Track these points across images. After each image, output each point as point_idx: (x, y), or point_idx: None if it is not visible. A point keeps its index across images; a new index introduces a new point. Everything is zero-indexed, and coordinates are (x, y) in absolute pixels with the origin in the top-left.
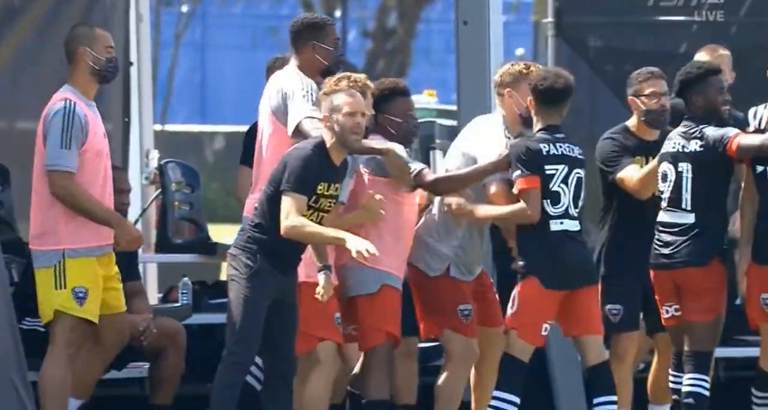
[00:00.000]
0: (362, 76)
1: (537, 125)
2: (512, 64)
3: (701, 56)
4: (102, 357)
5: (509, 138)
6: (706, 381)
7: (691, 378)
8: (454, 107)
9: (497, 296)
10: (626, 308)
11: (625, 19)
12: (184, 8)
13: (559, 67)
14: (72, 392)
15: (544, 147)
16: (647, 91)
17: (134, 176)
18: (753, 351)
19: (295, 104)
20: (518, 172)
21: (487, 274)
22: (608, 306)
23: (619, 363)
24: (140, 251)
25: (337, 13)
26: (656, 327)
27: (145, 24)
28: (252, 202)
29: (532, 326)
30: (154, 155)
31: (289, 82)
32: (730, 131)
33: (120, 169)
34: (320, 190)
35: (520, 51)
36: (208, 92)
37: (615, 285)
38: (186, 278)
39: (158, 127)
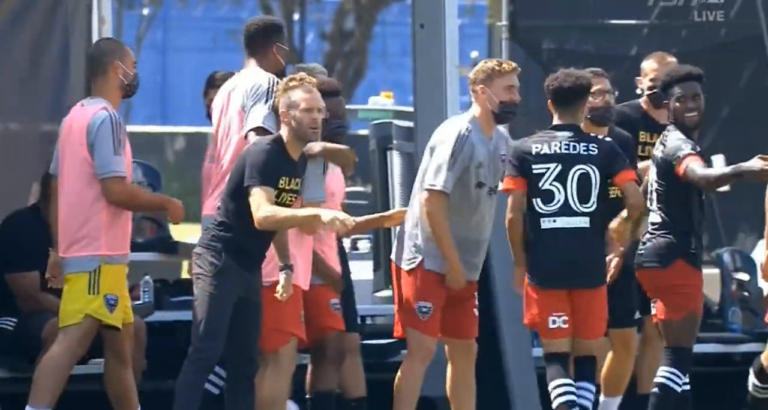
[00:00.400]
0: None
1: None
2: (485, 62)
3: (649, 64)
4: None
5: (467, 134)
6: (676, 375)
7: (662, 371)
8: (410, 108)
9: (476, 310)
10: None
11: (578, 22)
12: (146, 11)
13: None
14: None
15: (536, 147)
16: (592, 90)
17: None
18: (704, 347)
19: (256, 110)
20: (507, 172)
21: (472, 286)
22: None
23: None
24: None
25: (296, 16)
26: (610, 323)
27: (107, 26)
28: (211, 201)
29: (538, 322)
30: None
31: (257, 81)
32: (683, 150)
33: None
34: (282, 184)
35: (474, 54)
36: (168, 94)
37: None
38: (147, 277)
39: None
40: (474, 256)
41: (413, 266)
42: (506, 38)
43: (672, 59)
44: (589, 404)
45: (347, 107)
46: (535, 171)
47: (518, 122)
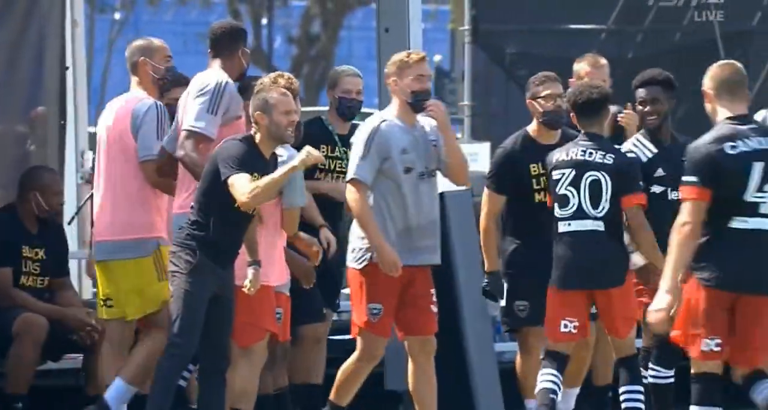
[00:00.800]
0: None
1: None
2: (396, 54)
3: (582, 66)
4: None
5: (379, 125)
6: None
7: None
8: (375, 111)
9: (434, 307)
10: (532, 304)
11: (538, 26)
12: (117, 15)
13: (474, 72)
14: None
15: (558, 155)
16: (543, 94)
17: (70, 176)
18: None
19: (194, 107)
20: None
21: (427, 281)
22: (516, 302)
23: (526, 356)
24: (75, 247)
25: (264, 21)
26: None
27: (80, 30)
28: (179, 200)
29: (549, 322)
30: (89, 155)
31: (205, 81)
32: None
33: (54, 172)
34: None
35: (437, 57)
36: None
37: (521, 283)
38: None
39: (92, 129)
40: (420, 240)
41: (364, 264)
42: (468, 42)
43: (604, 62)
44: (641, 406)
45: (314, 108)
46: (554, 177)
47: (480, 123)
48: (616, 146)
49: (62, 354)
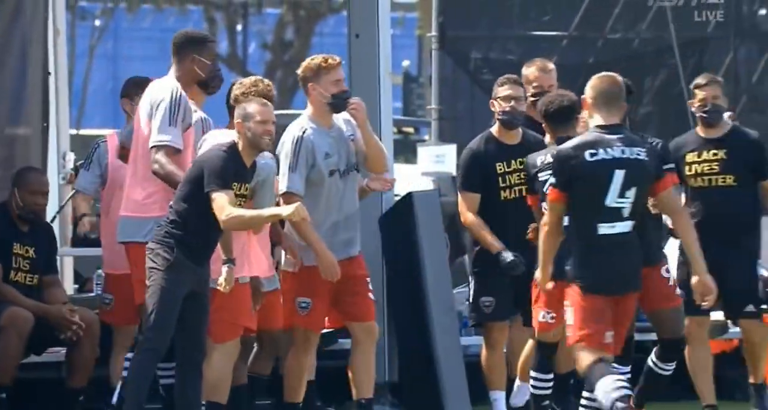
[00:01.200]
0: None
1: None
2: (311, 59)
3: (531, 71)
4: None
5: (302, 134)
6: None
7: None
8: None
9: (372, 294)
10: (497, 300)
11: (502, 33)
12: (98, 22)
13: (441, 77)
14: None
15: (542, 158)
16: (501, 94)
17: (52, 177)
18: None
19: (156, 123)
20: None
21: (361, 269)
22: (482, 298)
23: (491, 350)
24: (58, 245)
25: (239, 27)
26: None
27: (62, 37)
28: (126, 200)
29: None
30: (71, 156)
31: (160, 95)
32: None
33: (41, 172)
34: (233, 189)
35: (406, 62)
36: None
37: (487, 279)
38: (100, 270)
39: (74, 131)
40: (347, 232)
41: (298, 267)
42: (435, 48)
43: (552, 66)
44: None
45: (287, 112)
46: (540, 178)
47: (446, 126)
48: None
49: (46, 348)
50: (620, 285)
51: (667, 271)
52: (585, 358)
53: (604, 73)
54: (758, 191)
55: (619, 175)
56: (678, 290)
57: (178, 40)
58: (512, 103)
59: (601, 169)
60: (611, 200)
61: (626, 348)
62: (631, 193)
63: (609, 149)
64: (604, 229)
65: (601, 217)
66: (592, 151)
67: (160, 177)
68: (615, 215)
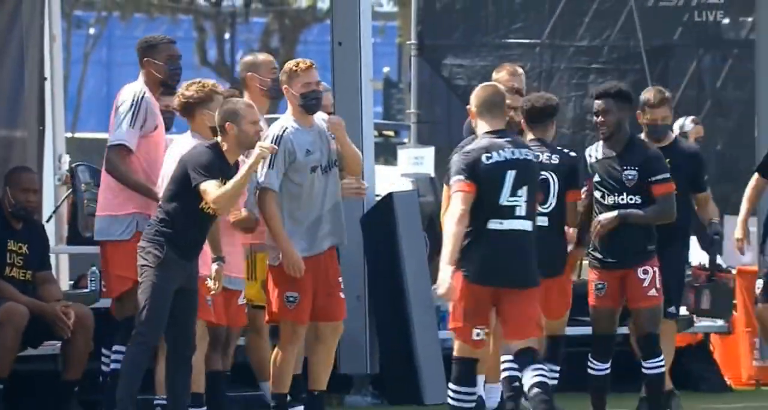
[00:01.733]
0: (210, 81)
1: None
2: (287, 64)
3: (501, 76)
4: None
5: (281, 133)
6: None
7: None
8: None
9: (342, 293)
10: None
11: (477, 40)
12: (92, 31)
13: (420, 83)
14: None
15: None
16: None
17: (48, 178)
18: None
19: (115, 123)
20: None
21: (335, 268)
22: None
23: None
24: (53, 243)
25: (227, 35)
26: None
27: (58, 44)
28: (101, 200)
29: None
30: (66, 159)
31: (123, 97)
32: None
33: (32, 171)
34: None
35: (386, 69)
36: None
37: None
38: (94, 268)
39: (69, 134)
40: (326, 225)
41: (278, 261)
42: (414, 55)
43: (521, 71)
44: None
45: (273, 116)
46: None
47: (425, 129)
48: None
49: (42, 341)
50: (502, 279)
51: (644, 273)
52: (456, 349)
53: (486, 83)
54: (692, 202)
55: (510, 175)
56: (653, 291)
57: (138, 47)
58: (511, 113)
59: (495, 170)
60: (504, 198)
61: (554, 347)
62: (523, 191)
63: (501, 151)
64: (494, 224)
65: (493, 214)
66: (488, 154)
67: (113, 176)
68: (508, 212)
